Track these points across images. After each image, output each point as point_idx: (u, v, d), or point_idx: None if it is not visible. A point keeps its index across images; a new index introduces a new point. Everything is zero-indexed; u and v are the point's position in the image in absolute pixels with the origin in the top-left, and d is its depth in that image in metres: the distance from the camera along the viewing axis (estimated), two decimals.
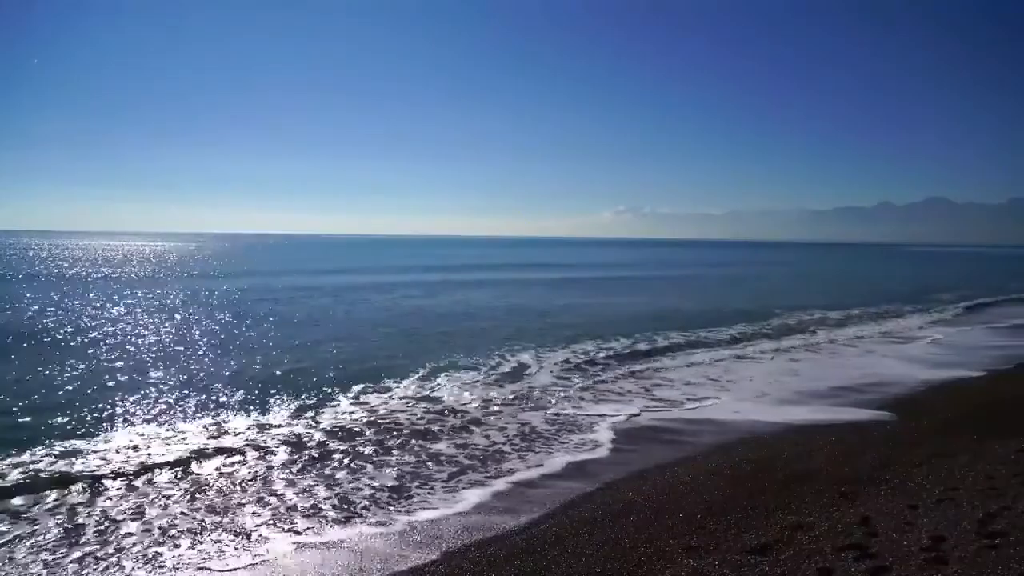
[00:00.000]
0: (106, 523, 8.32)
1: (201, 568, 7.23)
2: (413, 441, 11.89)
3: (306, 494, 9.34)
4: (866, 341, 24.31)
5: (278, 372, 17.51)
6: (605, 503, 8.83)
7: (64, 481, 9.60)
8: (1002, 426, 11.83)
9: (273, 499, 9.14)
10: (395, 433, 12.32)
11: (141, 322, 26.77)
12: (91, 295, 37.79)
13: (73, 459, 10.48)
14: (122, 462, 10.41)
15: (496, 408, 14.16)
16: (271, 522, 8.39)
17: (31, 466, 10.16)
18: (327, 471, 10.34)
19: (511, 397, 15.16)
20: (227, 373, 17.27)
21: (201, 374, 17.13)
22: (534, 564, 7.13)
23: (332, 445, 11.57)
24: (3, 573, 7.04)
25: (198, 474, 10.10)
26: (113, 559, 7.39)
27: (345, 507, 8.93)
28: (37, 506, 8.84)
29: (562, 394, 15.44)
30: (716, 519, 8.08)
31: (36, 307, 31.17)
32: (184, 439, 11.66)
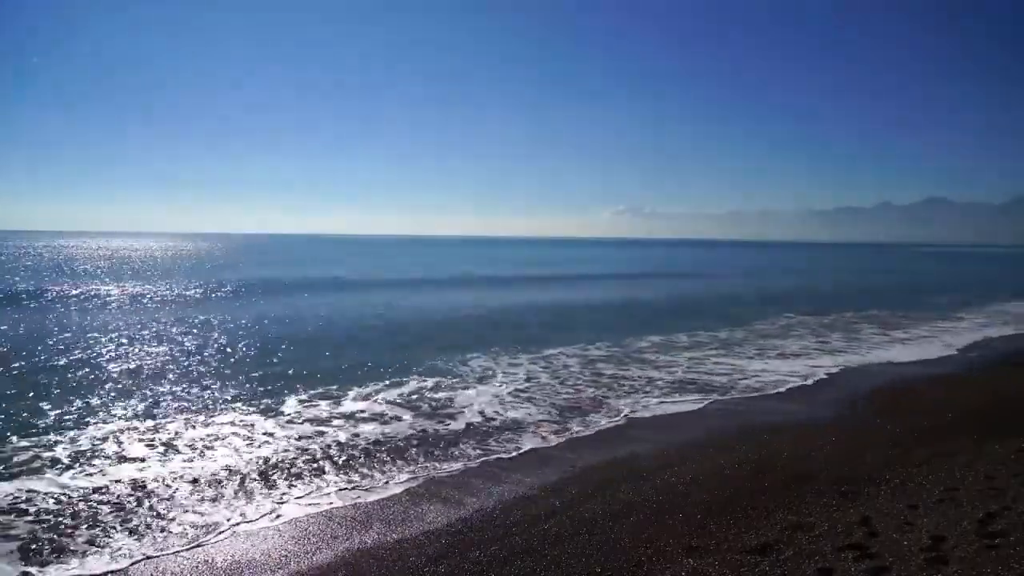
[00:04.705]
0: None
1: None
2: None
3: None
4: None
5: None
6: (605, 503, 8.84)
7: None
8: (1002, 426, 11.84)
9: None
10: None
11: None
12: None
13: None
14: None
15: None
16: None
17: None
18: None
19: None
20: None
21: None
22: (534, 564, 7.13)
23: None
24: None
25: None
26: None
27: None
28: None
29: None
30: (716, 519, 8.09)
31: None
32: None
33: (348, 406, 14.13)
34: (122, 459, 10.57)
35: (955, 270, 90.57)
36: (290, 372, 17.44)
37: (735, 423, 13.04)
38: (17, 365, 17.74)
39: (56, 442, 11.26)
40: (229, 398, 14.64)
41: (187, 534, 8.06)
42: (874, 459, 10.22)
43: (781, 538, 7.40)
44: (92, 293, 39.61)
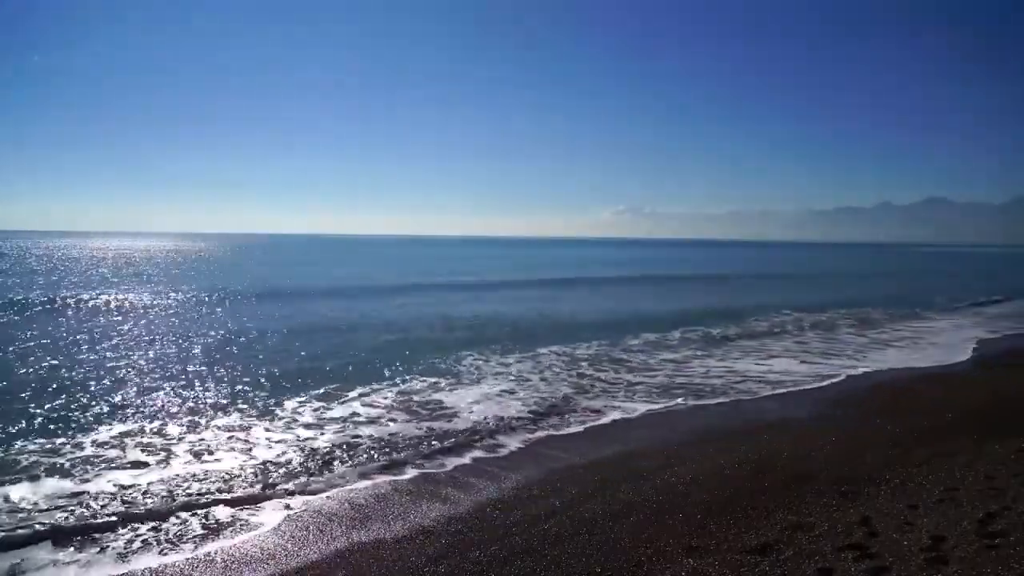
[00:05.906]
0: None
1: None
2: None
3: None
4: None
5: None
6: (605, 503, 8.83)
7: None
8: (1002, 426, 11.84)
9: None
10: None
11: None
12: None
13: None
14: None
15: None
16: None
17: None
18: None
19: None
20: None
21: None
22: (534, 564, 7.13)
23: None
24: None
25: None
26: None
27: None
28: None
29: None
30: (716, 519, 8.09)
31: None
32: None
33: (345, 407, 14.11)
34: (122, 462, 10.56)
35: (954, 270, 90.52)
36: (287, 374, 17.39)
37: (735, 423, 13.04)
38: (17, 368, 17.73)
39: (58, 446, 11.26)
40: (227, 400, 14.62)
41: (188, 534, 8.06)
42: (874, 459, 10.22)
43: (781, 538, 7.40)
44: (92, 295, 39.58)
